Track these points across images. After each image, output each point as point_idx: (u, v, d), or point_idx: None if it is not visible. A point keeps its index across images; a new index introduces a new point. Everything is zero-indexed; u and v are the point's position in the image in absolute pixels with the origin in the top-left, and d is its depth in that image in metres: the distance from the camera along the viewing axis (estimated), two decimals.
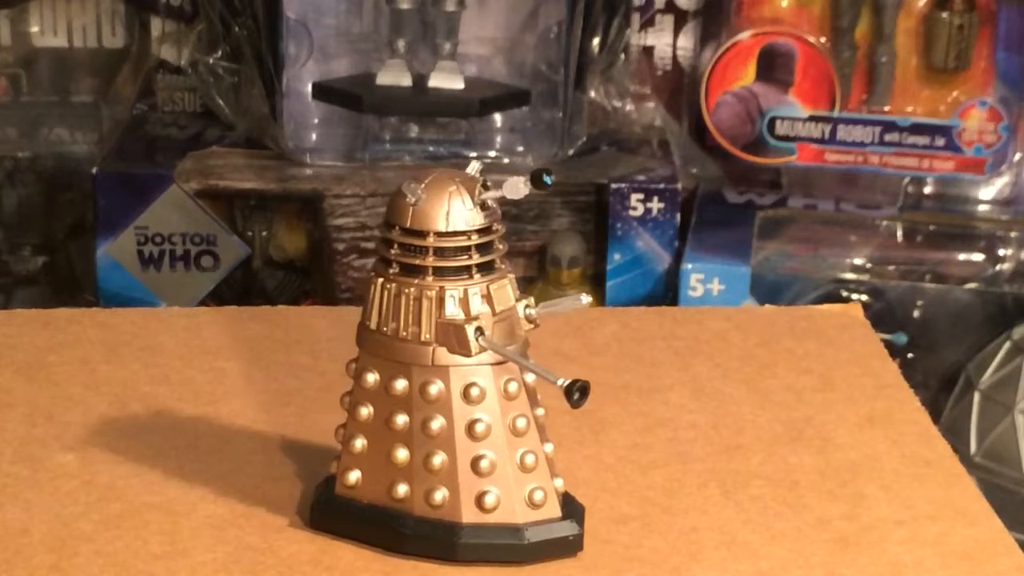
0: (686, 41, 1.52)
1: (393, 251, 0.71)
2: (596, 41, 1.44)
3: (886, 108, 1.43)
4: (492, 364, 0.71)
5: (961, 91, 1.42)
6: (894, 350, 1.24)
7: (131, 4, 1.54)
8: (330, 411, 0.86)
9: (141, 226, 1.39)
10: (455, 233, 0.70)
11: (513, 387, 0.71)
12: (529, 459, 0.71)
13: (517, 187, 0.69)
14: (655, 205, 1.39)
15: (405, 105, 1.40)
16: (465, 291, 0.70)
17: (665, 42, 1.52)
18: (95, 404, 0.85)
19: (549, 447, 0.73)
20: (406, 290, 0.71)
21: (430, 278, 0.70)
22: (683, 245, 1.40)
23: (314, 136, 1.43)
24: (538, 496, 0.72)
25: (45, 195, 1.56)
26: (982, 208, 1.48)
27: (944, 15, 1.41)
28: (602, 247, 1.42)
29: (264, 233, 1.46)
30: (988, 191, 1.48)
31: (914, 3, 1.42)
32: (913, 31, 1.43)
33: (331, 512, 0.74)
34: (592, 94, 1.46)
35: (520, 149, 1.42)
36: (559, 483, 0.73)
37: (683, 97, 1.52)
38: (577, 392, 0.68)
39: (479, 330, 0.70)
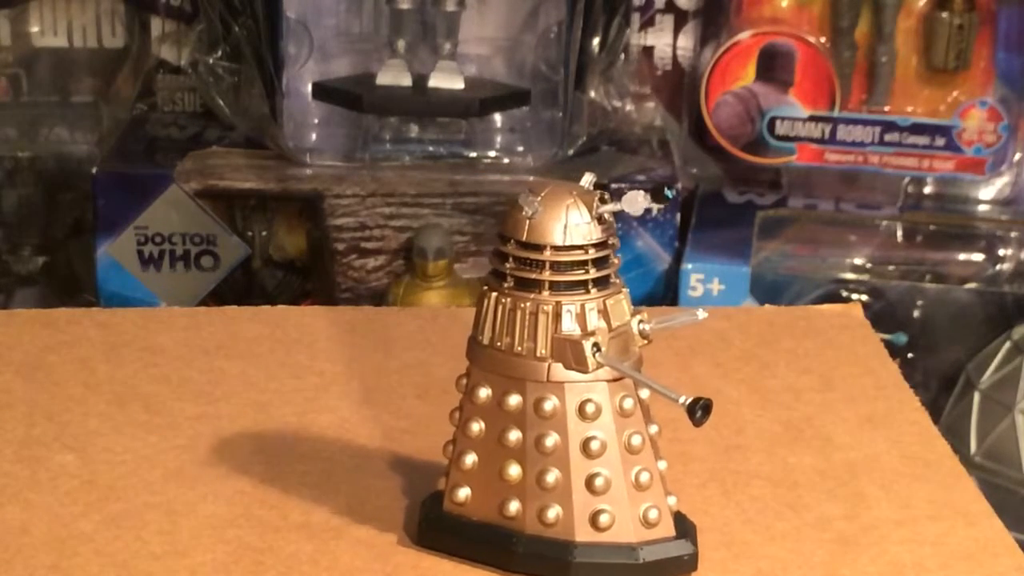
0: (686, 41, 1.52)
1: (508, 265, 0.69)
2: (596, 41, 1.44)
3: (886, 108, 1.43)
4: (608, 381, 0.69)
5: (961, 91, 1.42)
6: (894, 350, 1.24)
7: (131, 4, 1.54)
8: (329, 411, 0.86)
9: (141, 226, 1.39)
10: (572, 247, 0.69)
11: (628, 404, 0.70)
12: (644, 477, 0.70)
13: (636, 201, 0.68)
14: (655, 205, 1.39)
15: (405, 105, 1.40)
16: (582, 306, 0.69)
17: (665, 42, 1.52)
18: (95, 404, 0.85)
19: (663, 464, 0.71)
20: (521, 305, 0.69)
21: (546, 293, 0.69)
22: (683, 245, 1.40)
23: (314, 136, 1.42)
24: (652, 515, 0.70)
25: (45, 195, 1.55)
26: (982, 208, 1.48)
27: (944, 15, 1.41)
28: None
29: (264, 233, 1.45)
30: (988, 191, 1.48)
31: (914, 3, 1.42)
32: (913, 31, 1.43)
33: (440, 529, 0.72)
34: (592, 94, 1.46)
35: (520, 149, 1.42)
36: (672, 501, 0.71)
37: (683, 97, 1.52)
38: (700, 410, 0.67)
39: (596, 346, 0.69)
